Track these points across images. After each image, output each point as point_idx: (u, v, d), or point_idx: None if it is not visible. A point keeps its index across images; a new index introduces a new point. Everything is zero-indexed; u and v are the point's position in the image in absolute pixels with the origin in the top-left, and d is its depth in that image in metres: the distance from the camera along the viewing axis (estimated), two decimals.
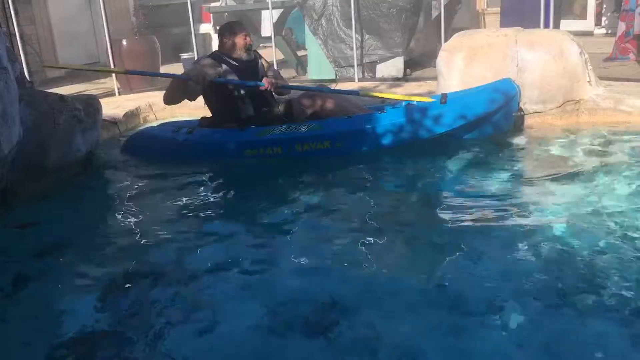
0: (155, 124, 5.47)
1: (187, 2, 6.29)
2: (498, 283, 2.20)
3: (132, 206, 3.32)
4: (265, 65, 4.32)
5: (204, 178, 3.79)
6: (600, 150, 3.72)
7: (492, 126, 3.99)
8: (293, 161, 3.90)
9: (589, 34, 9.14)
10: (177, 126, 4.32)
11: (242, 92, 4.07)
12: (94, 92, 5.98)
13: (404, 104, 4.06)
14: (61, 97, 3.88)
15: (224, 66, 4.06)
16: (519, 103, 4.06)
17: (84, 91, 6.35)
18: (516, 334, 1.92)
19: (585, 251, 2.38)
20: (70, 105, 3.83)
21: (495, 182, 3.26)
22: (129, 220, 3.11)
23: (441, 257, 2.45)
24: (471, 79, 4.33)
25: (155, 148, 4.21)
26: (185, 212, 3.20)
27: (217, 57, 4.12)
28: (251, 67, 4.18)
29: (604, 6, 9.51)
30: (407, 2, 6.22)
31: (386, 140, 3.86)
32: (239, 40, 4.12)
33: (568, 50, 4.22)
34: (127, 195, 3.53)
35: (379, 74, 6.41)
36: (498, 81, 4.10)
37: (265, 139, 3.92)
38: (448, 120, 3.82)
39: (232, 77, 4.05)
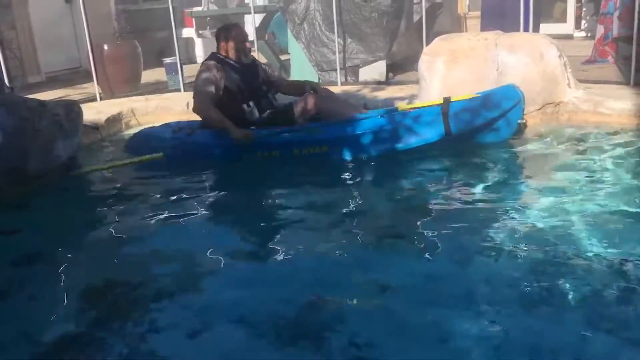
0: (137, 129, 5.47)
1: (169, 7, 6.27)
2: (482, 286, 2.22)
3: (114, 212, 3.30)
4: (269, 70, 4.33)
5: (188, 182, 3.78)
6: (580, 152, 3.77)
7: (494, 133, 3.92)
8: (287, 163, 3.89)
9: (569, 37, 9.25)
10: (178, 127, 4.27)
11: (247, 94, 4.05)
12: (75, 97, 5.93)
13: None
14: (41, 103, 3.84)
15: (228, 69, 4.02)
16: (523, 110, 3.94)
17: (65, 96, 6.29)
18: (501, 337, 1.93)
19: (566, 252, 2.41)
20: (51, 110, 3.79)
21: (477, 185, 3.29)
22: (110, 226, 3.09)
23: (427, 261, 2.46)
24: (452, 82, 4.37)
25: (154, 148, 4.11)
26: (168, 217, 3.18)
27: (220, 60, 4.08)
28: (252, 69, 4.17)
29: (584, 9, 9.63)
30: (389, 7, 6.25)
31: (385, 146, 3.84)
32: (238, 43, 4.10)
33: (547, 54, 4.27)
34: (109, 201, 3.51)
35: (361, 78, 6.43)
36: (502, 87, 4.02)
37: (264, 142, 3.89)
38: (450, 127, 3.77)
39: (236, 79, 4.02)
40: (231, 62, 4.07)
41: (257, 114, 4.07)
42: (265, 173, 3.86)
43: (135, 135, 4.57)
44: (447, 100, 3.82)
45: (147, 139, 4.33)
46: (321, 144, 3.87)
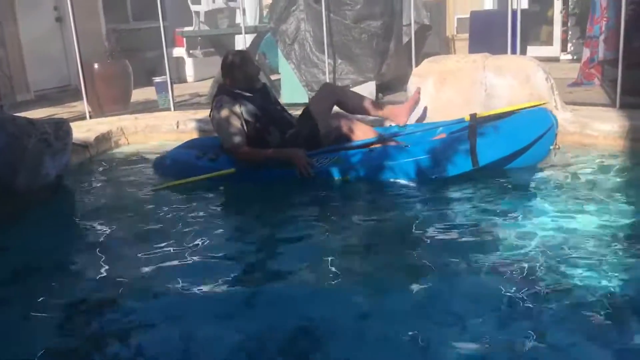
0: (127, 148, 5.47)
1: (160, 26, 6.30)
2: (472, 310, 2.21)
3: (101, 231, 3.28)
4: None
5: (178, 201, 3.77)
6: (567, 174, 3.80)
7: (525, 159, 3.74)
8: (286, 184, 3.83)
9: (555, 59, 9.39)
10: (202, 150, 4.15)
11: (264, 121, 3.88)
12: (65, 116, 5.92)
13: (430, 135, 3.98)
14: (30, 121, 3.83)
15: (242, 101, 3.87)
16: (556, 135, 3.72)
17: (55, 114, 6.28)
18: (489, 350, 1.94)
19: (552, 272, 2.42)
20: (40, 128, 3.78)
21: (468, 210, 3.29)
22: (98, 245, 3.07)
23: (417, 284, 2.45)
24: (441, 103, 4.41)
25: (180, 173, 4.01)
26: (156, 235, 3.15)
27: (232, 94, 3.90)
28: (264, 94, 4.06)
29: (570, 33, 9.79)
30: (379, 28, 6.32)
31: (407, 176, 3.69)
32: (247, 70, 3.97)
33: (534, 76, 4.33)
34: (98, 220, 3.48)
35: None
36: (533, 111, 3.82)
37: (291, 172, 3.74)
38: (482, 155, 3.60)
39: (252, 109, 3.87)
40: (243, 92, 3.91)
41: (278, 137, 3.91)
42: (249, 193, 3.83)
43: (162, 157, 4.44)
44: (473, 125, 3.64)
45: (173, 164, 4.23)
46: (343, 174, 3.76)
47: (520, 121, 3.73)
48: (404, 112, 4.23)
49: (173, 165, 4.21)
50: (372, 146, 3.85)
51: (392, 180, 3.70)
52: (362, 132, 3.93)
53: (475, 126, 3.65)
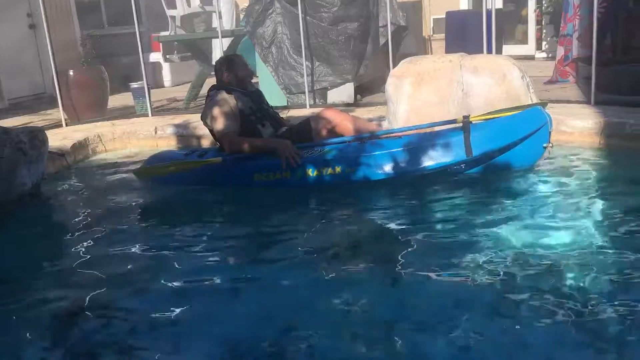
0: (104, 155, 5.41)
1: (135, 32, 6.25)
2: (456, 313, 2.23)
3: (78, 240, 3.23)
4: None
5: (157, 208, 3.74)
6: (543, 170, 3.84)
7: (517, 158, 3.75)
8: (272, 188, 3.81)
9: (531, 58, 9.51)
10: (199, 152, 4.15)
11: (260, 115, 3.99)
12: (40, 124, 5.85)
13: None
14: (4, 130, 3.78)
15: (237, 94, 3.96)
16: (550, 133, 3.69)
17: (30, 123, 6.19)
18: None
19: (526, 269, 2.45)
20: (15, 138, 3.73)
21: (446, 207, 3.31)
22: (75, 254, 3.03)
23: (406, 286, 2.47)
24: (419, 103, 4.42)
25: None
26: (135, 242, 3.13)
27: (227, 89, 3.98)
28: (257, 94, 4.17)
29: (544, 31, 9.93)
30: (355, 30, 6.34)
31: (400, 169, 3.66)
32: (243, 72, 4.07)
33: (510, 74, 4.36)
34: (75, 228, 3.44)
35: (330, 100, 6.48)
36: (527, 110, 3.80)
37: (277, 162, 3.73)
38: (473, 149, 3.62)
39: (247, 100, 3.96)
40: (237, 89, 4.01)
41: (272, 131, 3.99)
42: (225, 198, 3.80)
43: (149, 159, 4.26)
44: (467, 121, 3.67)
45: (161, 162, 4.07)
46: (334, 165, 3.71)
47: (515, 117, 3.77)
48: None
49: (161, 163, 4.06)
50: (365, 140, 3.87)
51: (383, 174, 3.67)
52: (355, 127, 3.95)
53: (469, 122, 3.69)
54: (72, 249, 3.12)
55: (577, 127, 4.42)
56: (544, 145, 3.68)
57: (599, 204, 3.17)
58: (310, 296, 2.40)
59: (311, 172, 3.72)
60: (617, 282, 2.32)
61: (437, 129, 3.94)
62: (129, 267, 2.83)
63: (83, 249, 3.09)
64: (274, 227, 3.27)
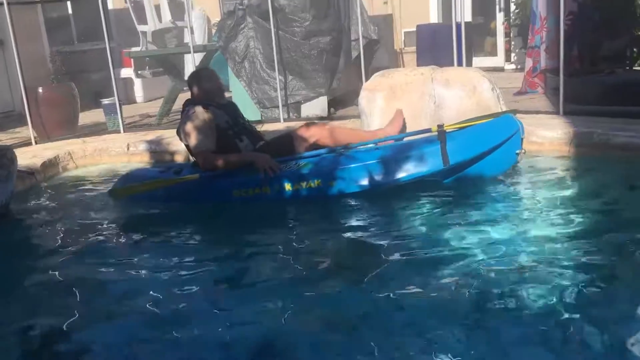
0: (75, 172, 5.32)
1: (106, 47, 6.19)
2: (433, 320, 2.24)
3: (48, 261, 3.16)
4: None
5: (131, 226, 3.68)
6: (515, 181, 3.89)
7: (492, 165, 3.78)
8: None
9: (500, 69, 9.68)
10: (174, 168, 4.10)
11: (237, 129, 3.95)
12: (9, 142, 5.76)
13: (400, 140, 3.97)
14: None
15: (212, 109, 3.89)
16: (522, 140, 3.75)
17: None
18: None
19: (500, 278, 2.48)
20: None
21: (423, 219, 3.33)
22: (45, 272, 2.97)
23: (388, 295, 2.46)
24: (392, 116, 4.45)
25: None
26: (106, 264, 3.06)
27: (203, 104, 3.90)
28: (232, 108, 4.14)
29: (513, 43, 10.11)
30: (328, 44, 6.37)
31: (377, 181, 3.66)
32: (213, 86, 4.03)
33: (481, 86, 4.43)
34: (45, 249, 3.37)
35: (304, 114, 6.49)
36: (498, 118, 3.85)
37: (255, 178, 3.71)
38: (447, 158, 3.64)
39: (224, 117, 3.91)
40: (211, 103, 3.95)
41: (251, 146, 3.94)
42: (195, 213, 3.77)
43: (122, 178, 4.20)
44: (442, 130, 3.69)
45: (136, 180, 4.01)
46: (314, 179, 3.68)
47: (488, 124, 3.81)
48: (395, 130, 4.22)
49: (136, 181, 3.98)
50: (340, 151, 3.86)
51: (361, 186, 3.68)
52: (339, 140, 3.93)
53: (444, 131, 3.72)
54: (41, 271, 3.05)
55: (547, 137, 4.49)
56: (517, 151, 3.73)
57: (571, 212, 3.21)
58: (288, 315, 2.37)
59: (289, 187, 3.70)
60: (589, 290, 2.35)
61: (412, 138, 3.98)
62: (101, 287, 2.78)
63: (53, 270, 3.02)
64: (250, 244, 3.22)
